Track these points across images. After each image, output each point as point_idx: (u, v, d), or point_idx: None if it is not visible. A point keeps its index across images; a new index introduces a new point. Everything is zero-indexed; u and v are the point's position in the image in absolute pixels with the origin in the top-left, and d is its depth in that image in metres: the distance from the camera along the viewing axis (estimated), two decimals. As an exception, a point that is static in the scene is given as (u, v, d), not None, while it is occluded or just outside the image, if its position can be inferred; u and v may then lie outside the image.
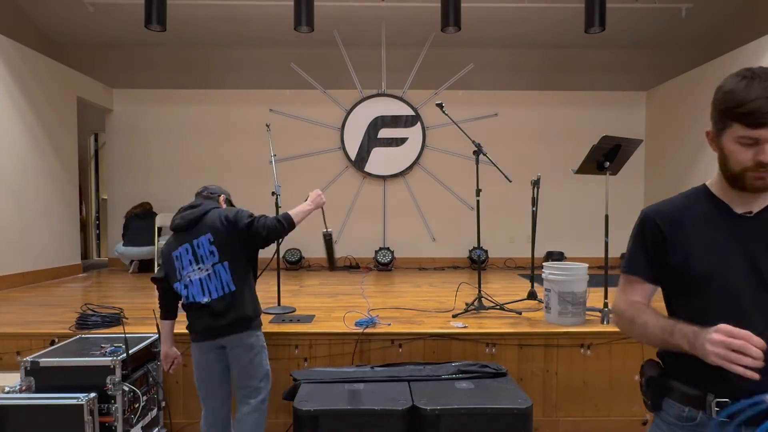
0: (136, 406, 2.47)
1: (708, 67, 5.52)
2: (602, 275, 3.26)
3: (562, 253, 6.54)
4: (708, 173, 5.17)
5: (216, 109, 6.74)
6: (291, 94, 6.74)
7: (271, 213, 2.53)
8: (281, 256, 6.51)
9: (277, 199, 3.73)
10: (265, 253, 6.29)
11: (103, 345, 2.54)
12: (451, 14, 4.96)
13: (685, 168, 5.87)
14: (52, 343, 2.84)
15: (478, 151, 3.48)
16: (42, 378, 2.32)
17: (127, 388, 2.39)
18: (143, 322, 3.15)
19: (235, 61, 7.11)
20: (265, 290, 4.57)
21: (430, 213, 6.78)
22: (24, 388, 2.30)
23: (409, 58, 6.83)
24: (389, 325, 3.08)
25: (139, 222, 6.08)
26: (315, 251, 6.72)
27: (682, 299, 1.22)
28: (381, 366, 2.66)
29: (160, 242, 5.20)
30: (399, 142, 6.70)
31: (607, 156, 3.21)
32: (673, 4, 6.08)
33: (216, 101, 6.73)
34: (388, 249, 6.40)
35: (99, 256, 8.25)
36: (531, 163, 6.77)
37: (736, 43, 5.34)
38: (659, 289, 1.29)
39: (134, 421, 2.45)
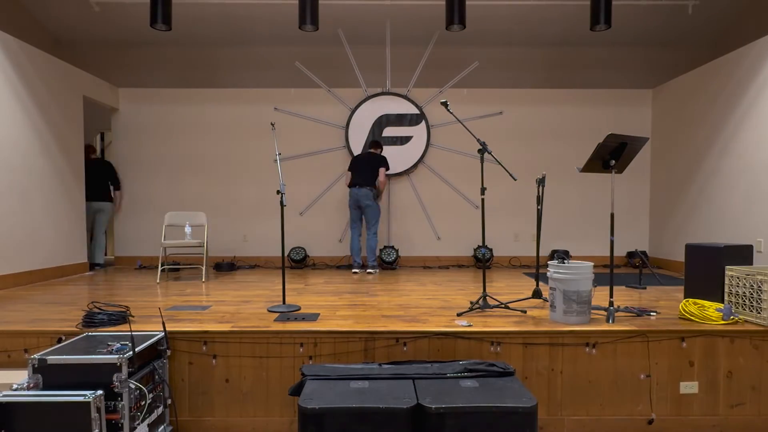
0: (143, 403, 2.48)
1: (715, 64, 5.48)
2: (608, 274, 3.25)
3: (567, 252, 6.52)
4: (714, 171, 5.20)
5: (221, 107, 6.76)
6: (296, 93, 6.75)
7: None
8: (286, 254, 6.54)
9: (282, 197, 3.73)
10: (273, 252, 6.25)
11: (109, 343, 2.56)
12: (455, 12, 4.94)
13: (691, 166, 5.84)
14: (59, 340, 2.86)
15: (483, 150, 3.48)
16: (49, 375, 2.34)
17: (133, 386, 2.40)
18: (149, 320, 3.18)
19: (240, 60, 7.13)
20: (269, 288, 4.59)
21: (434, 211, 6.78)
22: (32, 385, 2.32)
23: (413, 56, 6.83)
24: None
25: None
26: (320, 250, 6.74)
27: None
28: (389, 363, 2.66)
29: (165, 243, 5.21)
30: (403, 140, 6.70)
31: (612, 154, 3.20)
32: (680, 1, 6.04)
33: (221, 100, 6.76)
34: (392, 247, 6.40)
35: (105, 255, 8.29)
36: (536, 162, 6.77)
37: (743, 40, 5.30)
38: None
39: (140, 418, 2.46)
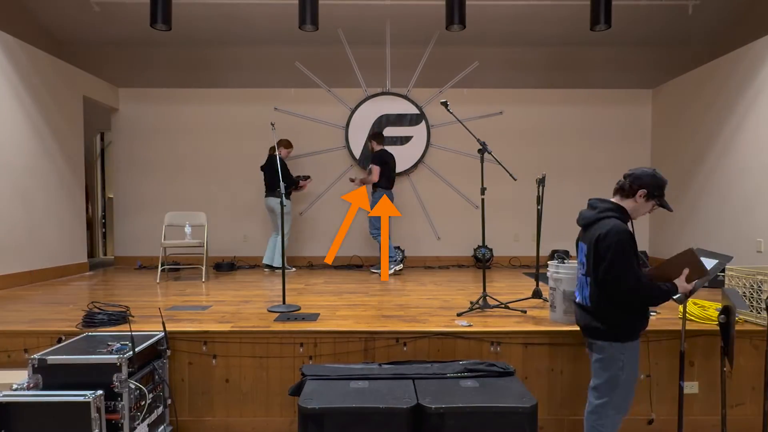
0: (143, 403, 2.48)
1: (715, 64, 5.48)
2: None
3: (567, 252, 6.52)
4: (714, 171, 5.16)
5: (221, 107, 6.76)
6: (296, 93, 6.74)
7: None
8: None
9: (282, 197, 3.73)
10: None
11: (109, 343, 2.55)
12: (455, 12, 4.94)
13: (690, 166, 5.83)
14: (59, 340, 2.86)
15: (483, 150, 3.48)
16: (49, 375, 2.33)
17: (133, 386, 2.40)
18: (149, 320, 3.18)
19: (240, 60, 7.13)
20: (269, 289, 4.59)
21: (434, 212, 6.78)
22: (31, 385, 2.32)
23: (413, 56, 6.82)
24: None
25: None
26: (320, 250, 6.74)
27: None
28: (389, 363, 2.66)
29: (165, 243, 5.21)
30: (403, 140, 6.70)
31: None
32: (680, 1, 6.04)
33: (221, 100, 6.75)
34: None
35: (105, 255, 8.30)
36: (536, 162, 6.77)
37: (743, 40, 5.30)
38: None
39: (140, 418, 2.46)
